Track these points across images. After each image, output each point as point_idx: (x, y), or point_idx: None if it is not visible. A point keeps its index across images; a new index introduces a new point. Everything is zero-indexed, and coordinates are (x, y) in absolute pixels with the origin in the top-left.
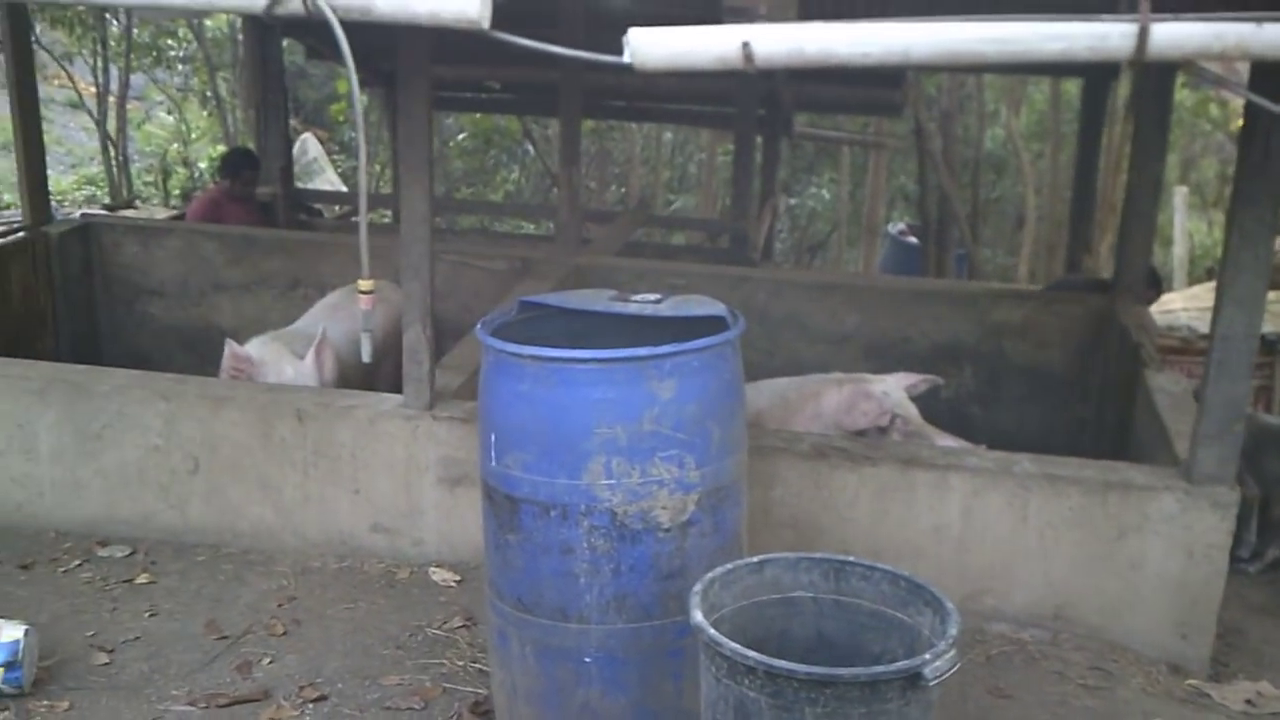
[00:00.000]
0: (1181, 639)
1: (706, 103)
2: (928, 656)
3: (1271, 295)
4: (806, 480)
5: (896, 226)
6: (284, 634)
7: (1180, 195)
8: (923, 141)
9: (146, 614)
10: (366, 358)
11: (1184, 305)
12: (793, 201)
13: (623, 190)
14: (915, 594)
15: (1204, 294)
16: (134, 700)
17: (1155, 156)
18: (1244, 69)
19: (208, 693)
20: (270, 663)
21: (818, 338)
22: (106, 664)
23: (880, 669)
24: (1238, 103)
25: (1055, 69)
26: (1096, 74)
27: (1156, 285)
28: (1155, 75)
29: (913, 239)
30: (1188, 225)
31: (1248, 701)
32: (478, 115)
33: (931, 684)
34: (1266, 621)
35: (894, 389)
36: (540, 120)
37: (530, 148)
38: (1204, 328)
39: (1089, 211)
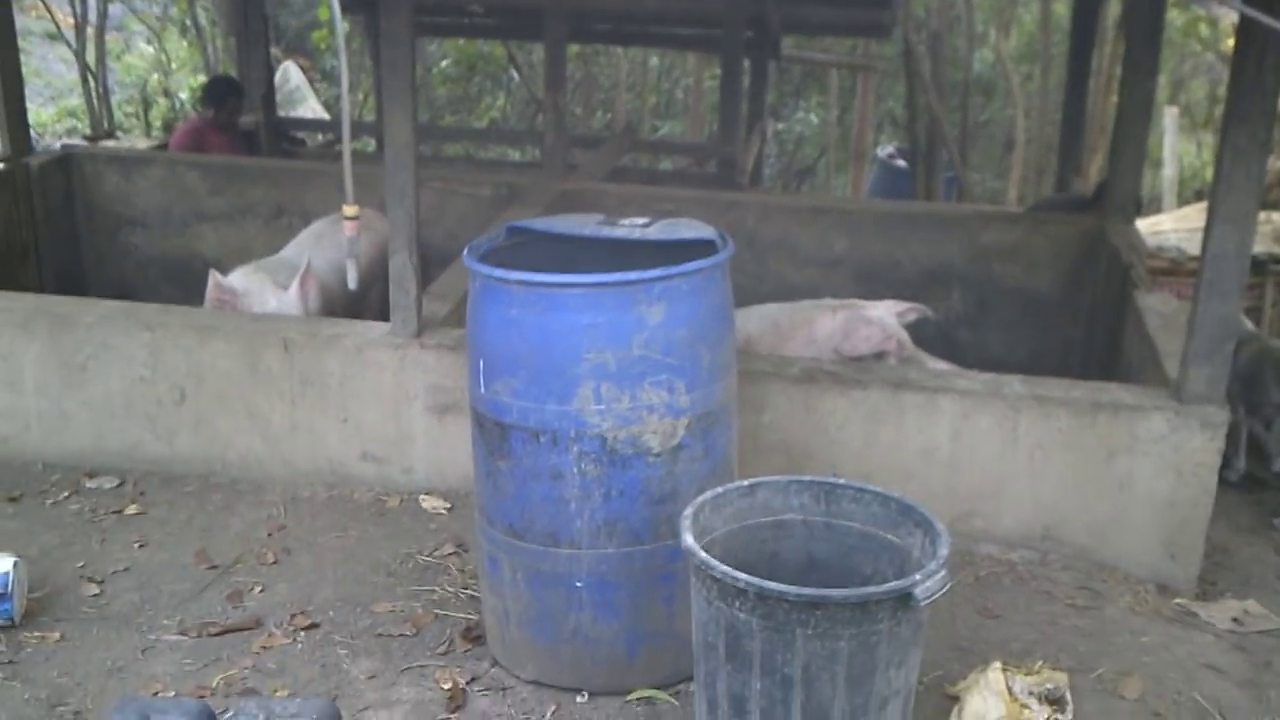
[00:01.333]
0: (1169, 559)
1: (693, 25)
2: (918, 577)
3: (1260, 216)
4: (796, 404)
5: (885, 150)
6: (274, 563)
7: (1170, 116)
8: (911, 64)
9: (136, 545)
10: (352, 285)
11: (1173, 226)
12: (780, 126)
13: (608, 116)
14: (906, 515)
15: (1194, 215)
16: (125, 630)
17: (1146, 76)
18: None
19: (199, 622)
20: (261, 591)
21: (807, 262)
22: (97, 595)
23: (871, 590)
24: (1227, 22)
25: None
26: None
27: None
28: None
29: (902, 162)
30: (1178, 146)
31: (1234, 620)
32: (461, 41)
33: (922, 604)
34: (1254, 540)
35: (887, 315)
36: (525, 45)
37: (515, 74)
38: (1193, 249)
39: (1079, 133)
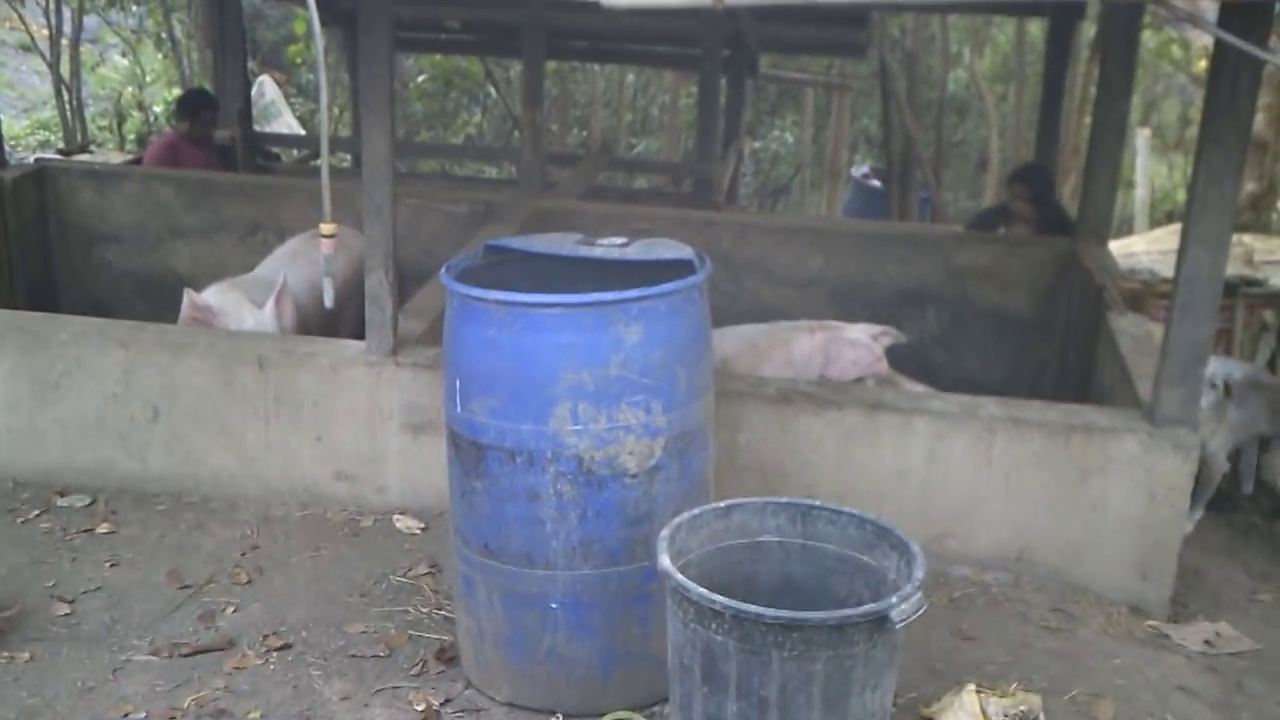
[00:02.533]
0: (1142, 580)
1: (671, 44)
2: (894, 600)
3: (1231, 238)
4: (772, 425)
5: (860, 170)
6: (247, 582)
7: (1143, 137)
8: (886, 83)
9: (107, 564)
10: (329, 303)
11: (1145, 248)
12: (756, 144)
13: (584, 133)
14: (881, 537)
15: (1165, 236)
16: (96, 650)
17: (1120, 97)
18: (1210, 6)
19: (170, 642)
20: (234, 611)
21: (782, 282)
22: (67, 614)
23: (847, 612)
24: (1199, 44)
25: (1023, 8)
26: (1062, 14)
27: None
28: (1121, 15)
29: (876, 182)
30: (1149, 168)
31: (1206, 642)
32: (438, 56)
33: (898, 627)
34: (1225, 563)
35: (864, 337)
36: (502, 62)
37: (492, 90)
38: (1166, 271)
39: (1053, 153)
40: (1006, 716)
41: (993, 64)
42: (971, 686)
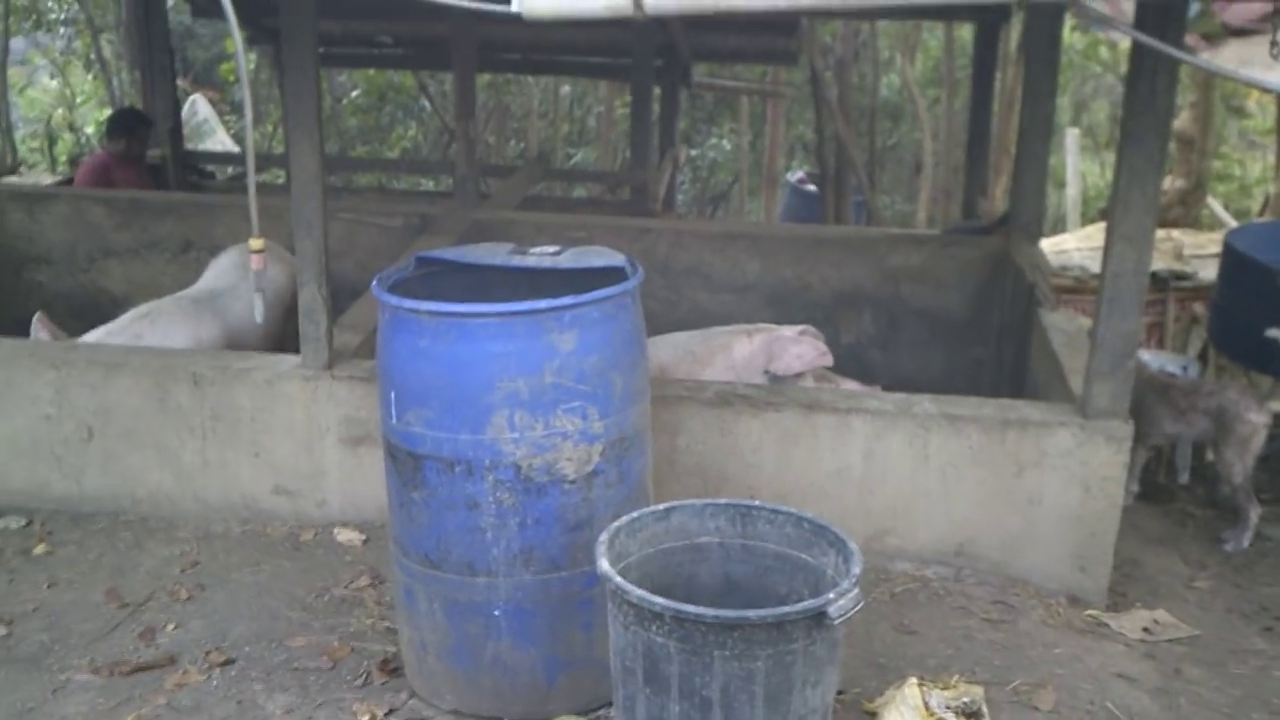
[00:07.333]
0: (1080, 571)
1: (603, 54)
2: (832, 596)
3: (1161, 234)
4: (711, 428)
5: (795, 175)
6: (188, 599)
7: (1072, 137)
8: (819, 90)
9: (45, 585)
10: (259, 318)
11: (1077, 245)
12: (694, 153)
13: (521, 145)
14: (819, 535)
15: (1096, 234)
16: (34, 671)
17: (1046, 98)
18: (1129, 8)
19: (110, 661)
20: (175, 629)
21: (720, 287)
22: (5, 636)
23: (786, 610)
24: (1125, 45)
25: (945, 13)
26: (988, 18)
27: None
28: (1043, 18)
29: (811, 187)
30: (1080, 166)
31: (1145, 630)
32: (371, 71)
33: (836, 622)
34: (1162, 552)
35: (806, 335)
36: (437, 75)
37: (427, 103)
38: (1096, 267)
39: (984, 155)
40: (949, 709)
41: (924, 69)
42: (914, 680)
